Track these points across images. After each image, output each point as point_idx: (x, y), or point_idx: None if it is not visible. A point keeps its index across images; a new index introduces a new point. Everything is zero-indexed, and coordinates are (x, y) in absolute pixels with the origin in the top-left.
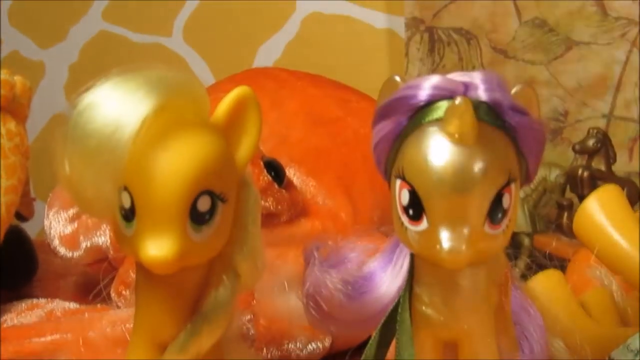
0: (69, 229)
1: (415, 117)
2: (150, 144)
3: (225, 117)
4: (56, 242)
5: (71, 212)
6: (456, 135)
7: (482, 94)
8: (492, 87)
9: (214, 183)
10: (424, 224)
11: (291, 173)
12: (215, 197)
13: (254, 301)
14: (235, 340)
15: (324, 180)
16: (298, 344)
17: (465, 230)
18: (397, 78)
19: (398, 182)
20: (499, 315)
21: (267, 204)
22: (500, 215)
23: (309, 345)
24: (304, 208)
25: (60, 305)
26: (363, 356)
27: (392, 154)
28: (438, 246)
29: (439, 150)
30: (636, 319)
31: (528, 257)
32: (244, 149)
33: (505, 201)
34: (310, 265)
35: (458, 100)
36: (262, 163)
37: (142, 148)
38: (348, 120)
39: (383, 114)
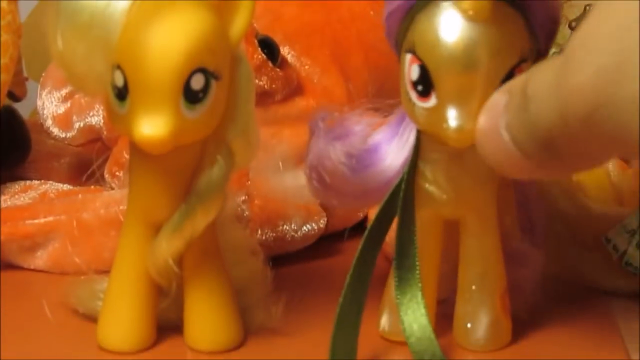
0: (62, 109)
1: None
2: (142, 20)
3: None
4: (49, 122)
5: (64, 91)
6: (470, 12)
7: None
8: None
9: (208, 60)
10: (432, 101)
11: (285, 51)
12: (209, 75)
13: (249, 181)
14: (229, 221)
15: (319, 58)
16: (293, 224)
17: (474, 109)
18: None
19: (408, 56)
20: (502, 194)
21: (261, 82)
22: None
23: (304, 227)
24: (299, 86)
25: (53, 187)
26: (365, 233)
27: (403, 27)
28: (445, 124)
29: (451, 26)
30: (632, 198)
31: None
32: (237, 26)
33: None
34: (315, 137)
35: None
36: (256, 41)
37: (134, 23)
38: None
39: None
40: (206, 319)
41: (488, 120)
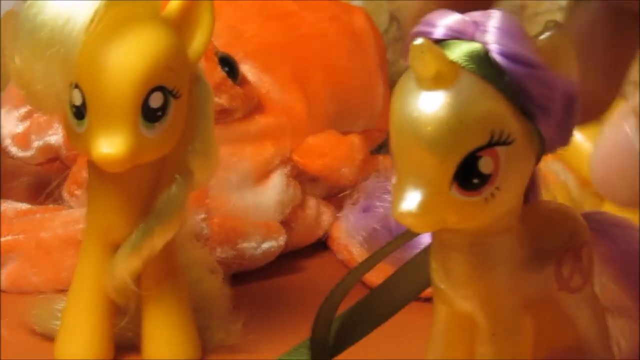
0: (20, 128)
1: None
2: (101, 38)
3: (177, 11)
4: (8, 141)
5: (23, 110)
6: (418, 79)
7: (490, 39)
8: (505, 34)
9: (166, 79)
10: (394, 178)
11: (245, 69)
12: (168, 93)
13: (208, 199)
14: (188, 239)
15: (279, 76)
16: (252, 242)
17: (421, 191)
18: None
19: None
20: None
21: (221, 100)
22: (477, 181)
23: (264, 244)
24: (259, 104)
25: (12, 206)
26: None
27: None
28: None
29: (406, 93)
30: None
31: None
32: (196, 43)
33: (485, 166)
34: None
35: (418, 41)
36: (216, 58)
37: (93, 42)
38: (303, 14)
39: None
40: (164, 337)
41: (623, 156)
